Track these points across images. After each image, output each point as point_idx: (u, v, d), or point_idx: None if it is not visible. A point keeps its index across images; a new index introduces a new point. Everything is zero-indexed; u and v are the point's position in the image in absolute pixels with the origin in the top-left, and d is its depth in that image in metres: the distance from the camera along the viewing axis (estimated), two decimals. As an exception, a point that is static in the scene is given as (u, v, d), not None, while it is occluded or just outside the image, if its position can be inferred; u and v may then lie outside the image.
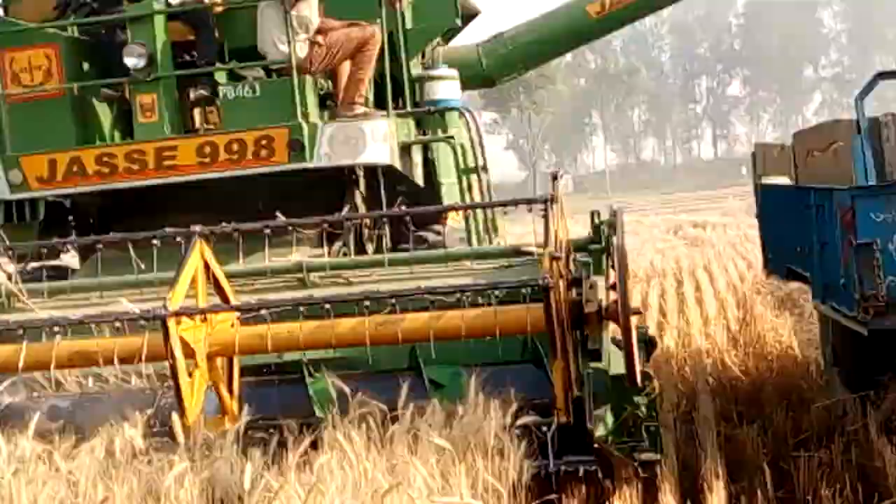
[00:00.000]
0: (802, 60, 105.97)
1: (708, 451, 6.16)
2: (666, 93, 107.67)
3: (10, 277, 7.04)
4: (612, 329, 5.38)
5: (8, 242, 7.27)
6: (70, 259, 7.56)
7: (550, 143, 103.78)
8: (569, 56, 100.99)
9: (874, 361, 6.76)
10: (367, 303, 5.11)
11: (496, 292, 5.25)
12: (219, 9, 7.50)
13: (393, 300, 5.15)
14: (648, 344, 6.37)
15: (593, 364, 5.06)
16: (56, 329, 5.25)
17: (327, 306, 5.10)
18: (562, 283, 4.82)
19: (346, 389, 4.62)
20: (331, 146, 6.95)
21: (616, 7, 8.77)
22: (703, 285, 14.85)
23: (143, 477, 3.83)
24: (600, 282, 5.16)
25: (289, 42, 7.02)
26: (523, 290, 5.10)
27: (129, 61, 7.05)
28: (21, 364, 5.07)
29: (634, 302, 11.28)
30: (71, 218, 7.80)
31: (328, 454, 3.73)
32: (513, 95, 71.69)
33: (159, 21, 7.17)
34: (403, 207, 7.29)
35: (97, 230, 7.76)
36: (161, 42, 7.16)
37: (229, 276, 5.79)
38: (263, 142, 6.96)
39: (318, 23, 7.34)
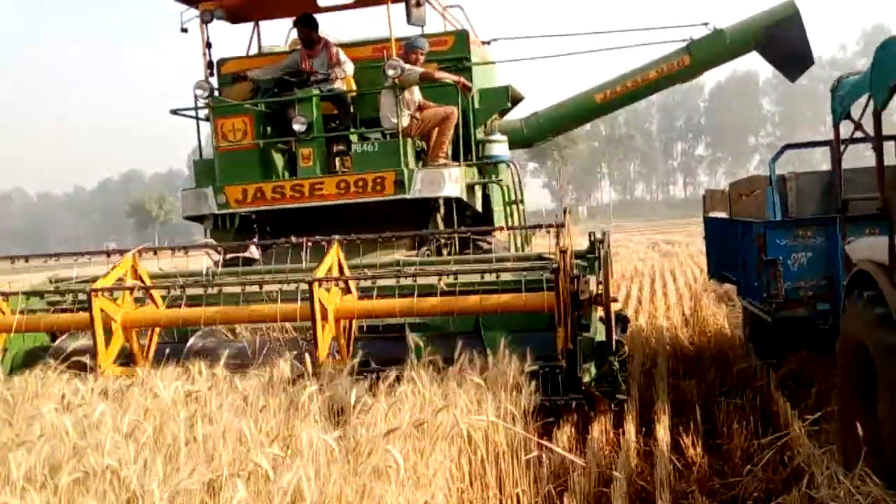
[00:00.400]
0: (748, 132, 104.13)
1: (660, 395, 6.18)
2: (652, 151, 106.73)
3: (216, 264, 7.32)
4: (600, 311, 5.39)
5: (214, 242, 7.52)
6: (255, 252, 7.63)
7: (573, 184, 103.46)
8: (588, 126, 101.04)
9: (776, 339, 6.77)
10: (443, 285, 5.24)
11: (524, 281, 5.28)
12: (353, 93, 7.57)
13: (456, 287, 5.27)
14: (624, 322, 6.41)
15: (585, 334, 5.07)
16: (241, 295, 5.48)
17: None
18: (565, 278, 4.80)
19: (421, 344, 4.59)
20: (422, 184, 6.97)
21: (613, 97, 8.74)
22: (668, 284, 14.63)
23: (289, 395, 3.85)
24: (592, 279, 5.16)
25: (397, 116, 7.05)
26: (544, 280, 5.16)
27: (296, 126, 7.12)
28: (217, 320, 5.30)
29: (616, 293, 11.27)
30: (255, 226, 7.84)
31: (406, 385, 3.75)
32: (548, 152, 71.73)
33: (315, 101, 7.21)
34: (461, 227, 7.29)
35: (272, 234, 7.88)
36: (316, 115, 7.18)
37: (353, 267, 5.78)
38: (378, 180, 6.96)
39: (418, 103, 7.36)
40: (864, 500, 3.53)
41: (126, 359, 5.17)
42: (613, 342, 5.03)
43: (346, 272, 5.41)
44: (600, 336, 5.10)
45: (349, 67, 7.48)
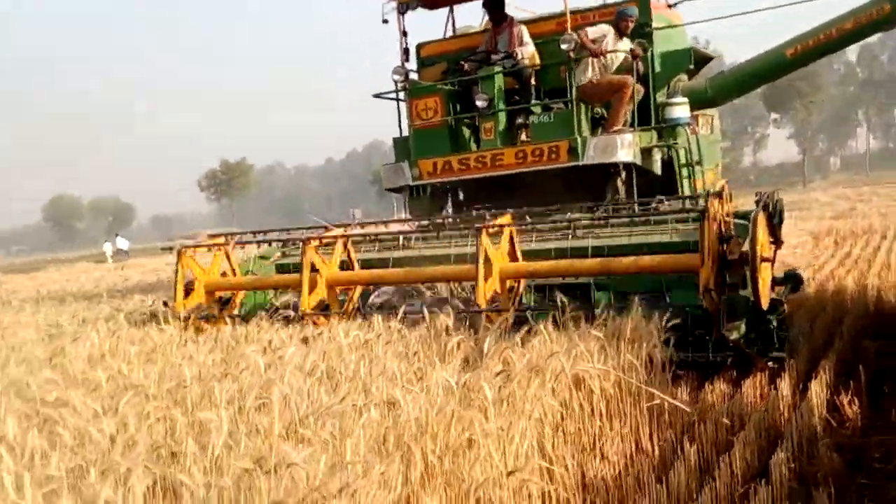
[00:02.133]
0: None
1: (830, 354, 5.96)
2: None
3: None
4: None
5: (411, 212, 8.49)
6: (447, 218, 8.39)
7: (824, 133, 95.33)
8: (839, 69, 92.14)
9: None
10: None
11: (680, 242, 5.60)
12: (535, 67, 7.99)
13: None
14: (796, 281, 6.35)
15: (741, 292, 5.15)
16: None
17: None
18: (710, 240, 4.97)
19: (565, 299, 4.87)
20: (595, 151, 7.28)
21: (805, 51, 8.37)
22: None
23: (443, 341, 4.47)
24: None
25: (570, 87, 7.46)
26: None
27: (478, 103, 7.69)
28: (400, 280, 6.11)
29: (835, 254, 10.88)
30: (448, 194, 8.59)
31: (536, 336, 4.24)
32: (789, 101, 66.60)
33: (497, 78, 7.69)
34: (642, 190, 7.55)
35: (460, 201, 8.68)
36: (497, 91, 7.68)
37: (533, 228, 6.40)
38: (554, 149, 7.38)
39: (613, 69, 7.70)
40: None
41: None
42: (764, 302, 5.16)
43: (517, 247, 5.84)
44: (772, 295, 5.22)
45: (530, 48, 7.93)
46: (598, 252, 5.87)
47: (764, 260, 5.24)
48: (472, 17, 9.08)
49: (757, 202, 5.72)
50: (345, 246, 6.37)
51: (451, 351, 4.34)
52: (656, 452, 4.17)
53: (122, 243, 43.56)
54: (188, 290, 6.47)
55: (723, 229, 5.29)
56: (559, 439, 3.62)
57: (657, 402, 4.23)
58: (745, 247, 5.13)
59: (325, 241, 6.40)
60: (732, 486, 3.76)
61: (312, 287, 5.98)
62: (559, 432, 3.66)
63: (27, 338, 5.91)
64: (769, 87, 71.09)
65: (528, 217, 6.54)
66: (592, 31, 7.66)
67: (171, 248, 6.94)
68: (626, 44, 7.77)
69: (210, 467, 2.75)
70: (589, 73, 7.67)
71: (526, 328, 4.59)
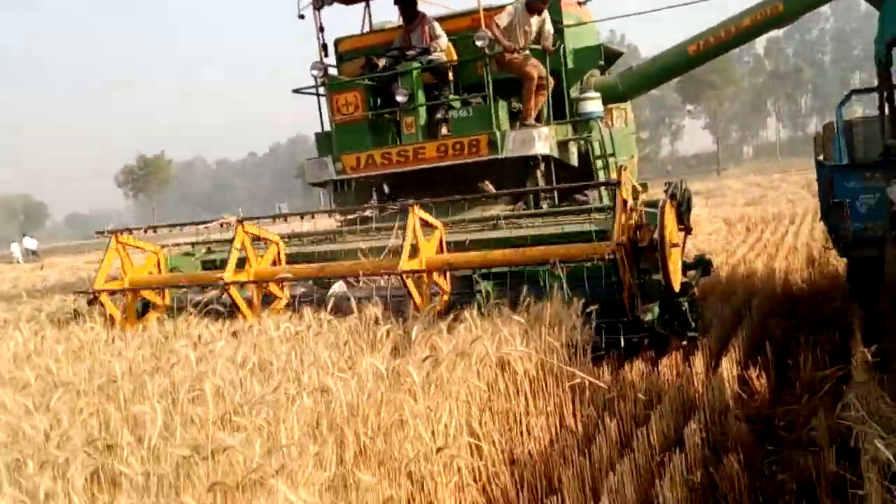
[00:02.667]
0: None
1: (739, 332, 6.22)
2: (826, 84, 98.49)
3: (340, 224, 8.22)
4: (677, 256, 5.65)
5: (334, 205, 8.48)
6: (371, 212, 8.34)
7: (736, 123, 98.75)
8: (749, 61, 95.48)
9: (868, 278, 6.81)
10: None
11: (594, 231, 5.77)
12: (452, 63, 8.12)
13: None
14: (706, 266, 6.67)
15: (653, 276, 5.40)
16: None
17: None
18: (621, 228, 5.22)
19: (490, 290, 5.19)
20: (513, 144, 7.47)
21: (707, 48, 8.74)
22: (805, 225, 14.18)
23: (372, 330, 4.63)
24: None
25: (487, 83, 7.58)
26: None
27: (398, 98, 7.77)
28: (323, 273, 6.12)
29: (746, 239, 11.30)
30: (373, 188, 8.59)
31: (462, 323, 4.41)
32: (703, 92, 68.88)
33: (416, 74, 7.81)
34: (560, 181, 7.80)
35: (384, 195, 8.71)
36: (416, 86, 7.79)
37: (455, 222, 6.49)
38: (474, 143, 7.52)
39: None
40: (875, 419, 3.82)
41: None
42: (675, 285, 5.41)
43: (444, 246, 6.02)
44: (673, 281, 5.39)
45: (443, 40, 8.05)
46: (520, 242, 6.02)
47: (673, 245, 5.50)
48: (390, 12, 9.13)
49: (665, 192, 6.00)
50: (277, 248, 6.53)
51: (381, 339, 4.47)
52: (579, 428, 4.39)
53: (31, 243, 42.91)
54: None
55: (634, 218, 5.53)
56: (486, 418, 3.80)
57: (578, 381, 4.44)
58: (656, 234, 5.37)
59: (261, 234, 6.49)
60: (650, 455, 3.99)
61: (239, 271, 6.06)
62: (486, 412, 3.83)
63: (-55, 341, 5.76)
64: (683, 79, 72.99)
65: (451, 211, 6.70)
66: (502, 18, 7.79)
67: (103, 232, 6.80)
68: (538, 21, 7.93)
69: (147, 457, 2.82)
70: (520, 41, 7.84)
71: (452, 316, 4.73)
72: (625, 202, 5.41)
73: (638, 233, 5.46)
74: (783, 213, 16.72)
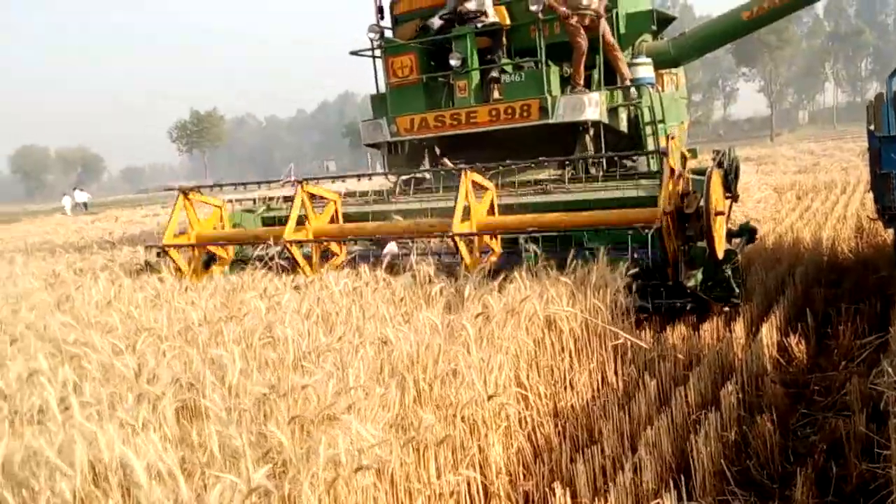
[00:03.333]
0: None
1: (781, 300, 6.32)
2: (889, 46, 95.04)
3: (394, 185, 8.44)
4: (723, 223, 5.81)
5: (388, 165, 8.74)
6: (425, 173, 8.60)
7: (793, 87, 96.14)
8: (808, 21, 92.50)
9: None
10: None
11: (639, 196, 5.96)
12: (506, 27, 8.20)
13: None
14: (751, 233, 6.84)
15: (693, 244, 5.58)
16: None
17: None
18: (668, 195, 5.36)
19: (537, 251, 5.35)
20: (564, 110, 7.57)
21: (760, 14, 8.66)
22: (857, 194, 13.95)
23: (426, 288, 4.91)
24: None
25: (539, 48, 7.64)
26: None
27: (452, 62, 7.91)
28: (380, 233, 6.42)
29: (796, 208, 11.24)
30: (425, 150, 8.76)
31: (511, 283, 4.64)
32: (758, 55, 67.03)
33: (469, 38, 7.92)
34: (610, 147, 7.90)
35: (436, 156, 8.85)
36: (470, 50, 7.91)
37: (505, 185, 6.72)
38: (525, 107, 7.64)
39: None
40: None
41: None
42: (718, 253, 5.56)
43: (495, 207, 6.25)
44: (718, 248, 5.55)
45: (490, 6, 8.14)
46: (568, 207, 6.21)
47: (718, 213, 5.64)
48: None
49: (713, 160, 6.13)
50: (335, 205, 6.82)
51: (434, 297, 4.72)
52: (620, 385, 4.63)
53: (82, 196, 43.64)
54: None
55: (681, 185, 5.68)
56: (533, 372, 4.06)
57: (621, 341, 4.66)
58: (702, 202, 5.51)
59: (318, 193, 6.78)
60: (687, 413, 4.22)
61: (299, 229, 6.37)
62: (533, 366, 4.09)
63: (30, 287, 6.20)
64: (738, 41, 71.26)
65: (501, 174, 6.87)
66: None
67: (172, 189, 7.22)
68: None
69: (229, 395, 3.13)
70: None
71: (502, 276, 4.93)
72: (672, 171, 5.55)
73: (684, 200, 5.61)
74: (835, 182, 16.45)
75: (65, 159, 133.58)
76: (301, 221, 6.52)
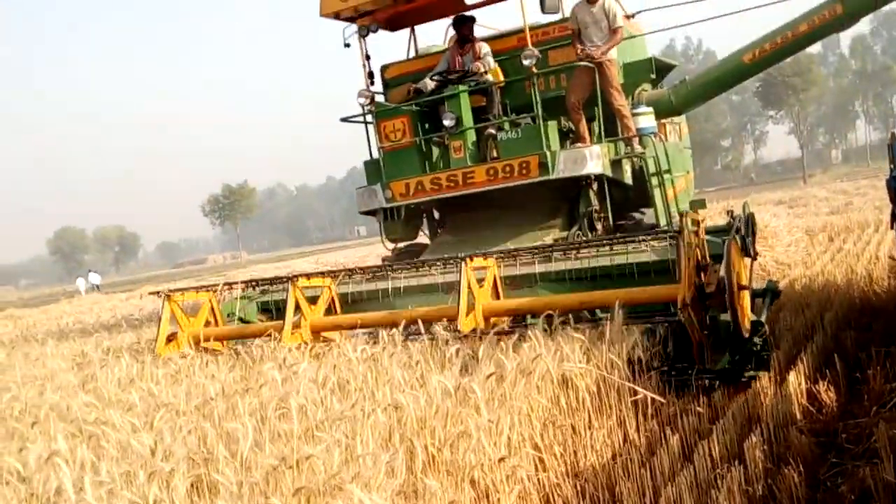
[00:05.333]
0: None
1: (810, 345, 6.16)
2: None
3: (392, 252, 8.41)
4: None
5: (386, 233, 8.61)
6: (424, 239, 8.64)
7: (823, 126, 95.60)
8: (833, 61, 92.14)
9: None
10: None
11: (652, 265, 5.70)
12: (499, 84, 8.20)
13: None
14: (774, 293, 6.38)
15: (722, 316, 5.14)
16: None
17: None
18: (687, 276, 4.95)
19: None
20: (564, 165, 7.44)
21: (762, 56, 8.59)
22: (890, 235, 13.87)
23: (443, 350, 4.88)
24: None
25: (535, 102, 7.60)
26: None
27: (445, 122, 7.78)
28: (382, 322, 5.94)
29: (828, 249, 11.01)
30: (423, 215, 8.78)
31: (526, 342, 4.64)
32: (784, 97, 66.91)
33: (463, 97, 7.82)
34: (616, 200, 7.89)
35: (435, 221, 8.90)
36: (463, 109, 7.80)
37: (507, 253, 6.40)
38: (524, 164, 7.47)
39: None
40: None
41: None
42: (744, 330, 5.19)
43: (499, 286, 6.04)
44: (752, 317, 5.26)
45: (489, 61, 8.16)
46: (577, 276, 6.08)
47: (741, 288, 5.33)
48: (435, 36, 9.33)
49: (728, 226, 5.80)
50: (330, 292, 6.61)
51: (451, 359, 4.74)
52: (642, 441, 4.57)
53: (95, 278, 47.67)
54: (170, 340, 6.61)
55: (699, 256, 5.29)
56: (549, 431, 4.04)
57: (640, 396, 4.63)
58: (721, 271, 5.16)
59: (311, 278, 6.59)
60: (710, 468, 4.15)
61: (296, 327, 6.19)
62: (549, 426, 4.08)
63: (58, 367, 6.35)
64: (763, 84, 71.42)
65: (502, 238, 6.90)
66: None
67: (157, 293, 7.12)
68: (599, 7, 7.93)
69: (240, 468, 3.19)
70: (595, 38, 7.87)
71: (516, 335, 4.94)
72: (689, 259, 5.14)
73: (702, 274, 5.29)
74: (868, 221, 16.23)
75: (102, 239, 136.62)
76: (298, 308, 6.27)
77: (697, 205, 9.15)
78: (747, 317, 5.38)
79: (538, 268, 6.21)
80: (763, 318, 5.88)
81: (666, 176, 8.12)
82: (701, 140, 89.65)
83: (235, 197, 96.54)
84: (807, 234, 15.30)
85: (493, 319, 5.68)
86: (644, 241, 5.97)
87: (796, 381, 5.38)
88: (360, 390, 4.34)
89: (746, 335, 5.23)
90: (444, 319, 5.43)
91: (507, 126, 8.01)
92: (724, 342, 5.27)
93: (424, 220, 9.13)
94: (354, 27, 8.39)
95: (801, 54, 67.08)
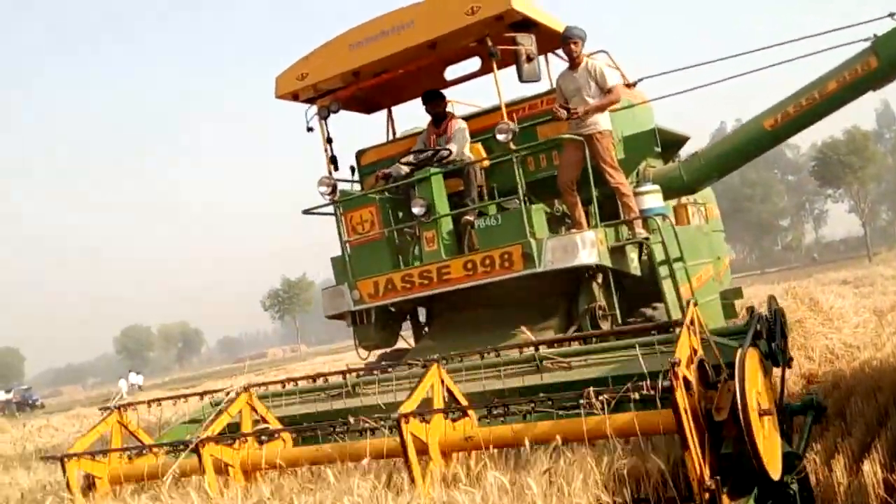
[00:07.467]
0: None
1: (885, 434, 5.37)
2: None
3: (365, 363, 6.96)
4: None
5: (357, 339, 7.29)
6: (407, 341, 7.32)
7: (886, 203, 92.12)
8: (892, 138, 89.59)
9: None
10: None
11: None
12: (479, 163, 6.91)
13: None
14: (818, 410, 4.72)
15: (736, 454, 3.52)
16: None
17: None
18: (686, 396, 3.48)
19: None
20: (553, 255, 6.08)
21: (786, 121, 7.13)
22: None
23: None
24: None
25: (519, 184, 6.29)
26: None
27: (415, 210, 6.61)
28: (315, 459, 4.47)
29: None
30: (395, 315, 7.44)
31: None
32: (841, 175, 64.31)
33: (435, 181, 6.64)
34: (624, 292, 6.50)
35: (420, 325, 7.60)
36: (436, 194, 6.62)
37: (474, 367, 4.94)
38: (506, 256, 6.16)
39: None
40: None
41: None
42: (770, 471, 3.56)
43: (457, 394, 4.44)
44: (769, 455, 3.56)
45: (459, 138, 6.98)
46: (569, 388, 4.31)
47: (763, 414, 3.67)
48: (418, 119, 8.04)
49: (745, 330, 4.16)
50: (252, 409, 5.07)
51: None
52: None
53: (136, 379, 48.86)
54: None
55: (707, 370, 3.75)
56: None
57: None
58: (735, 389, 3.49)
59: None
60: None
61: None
62: None
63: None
64: (818, 163, 68.43)
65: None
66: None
67: (107, 407, 5.68)
68: (583, 70, 6.69)
69: None
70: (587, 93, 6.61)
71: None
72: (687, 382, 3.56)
73: (711, 396, 3.67)
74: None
75: (166, 335, 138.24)
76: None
77: (732, 295, 7.57)
78: (775, 450, 3.72)
79: (524, 380, 4.75)
80: (801, 448, 4.38)
81: (678, 265, 6.60)
82: (758, 221, 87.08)
83: (294, 290, 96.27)
84: (874, 314, 13.73)
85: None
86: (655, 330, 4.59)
87: (871, 470, 4.63)
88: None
89: (776, 476, 3.61)
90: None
91: (492, 209, 6.82)
92: (748, 485, 3.62)
93: (408, 323, 7.73)
94: (314, 108, 7.18)
95: (855, 132, 65.54)
